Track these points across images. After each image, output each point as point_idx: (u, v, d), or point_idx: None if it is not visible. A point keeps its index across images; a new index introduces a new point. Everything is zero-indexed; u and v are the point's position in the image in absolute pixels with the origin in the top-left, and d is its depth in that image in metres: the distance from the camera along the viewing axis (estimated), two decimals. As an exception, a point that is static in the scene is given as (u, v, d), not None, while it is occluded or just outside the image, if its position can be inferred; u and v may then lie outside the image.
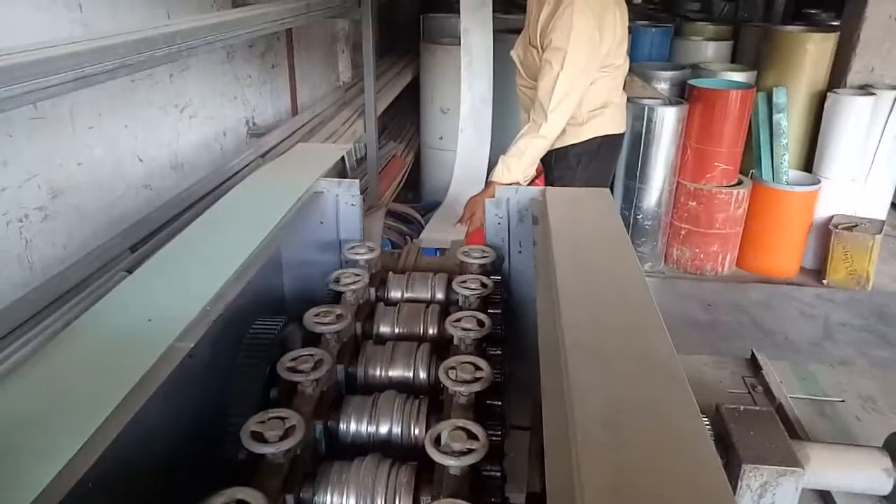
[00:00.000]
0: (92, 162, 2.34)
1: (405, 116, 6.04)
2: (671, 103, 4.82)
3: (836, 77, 5.05)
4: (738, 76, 5.19)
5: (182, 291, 1.32)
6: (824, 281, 4.91)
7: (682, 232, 5.10)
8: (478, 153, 4.99)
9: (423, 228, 4.63)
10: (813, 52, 5.00)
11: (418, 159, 5.79)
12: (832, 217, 4.97)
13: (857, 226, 4.86)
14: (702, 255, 5.09)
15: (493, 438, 1.18)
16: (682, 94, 5.02)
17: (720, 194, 4.87)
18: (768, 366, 2.01)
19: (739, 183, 4.97)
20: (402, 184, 5.34)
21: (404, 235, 4.53)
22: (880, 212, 5.06)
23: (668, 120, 4.69)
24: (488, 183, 2.83)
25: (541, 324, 1.28)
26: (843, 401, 1.93)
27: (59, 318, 1.58)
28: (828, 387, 2.03)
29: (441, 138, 5.44)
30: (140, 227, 2.11)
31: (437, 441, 1.14)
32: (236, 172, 2.80)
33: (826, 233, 4.93)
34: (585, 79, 2.73)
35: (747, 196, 4.92)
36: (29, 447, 0.88)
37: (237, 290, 1.37)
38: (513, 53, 3.05)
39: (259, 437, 1.14)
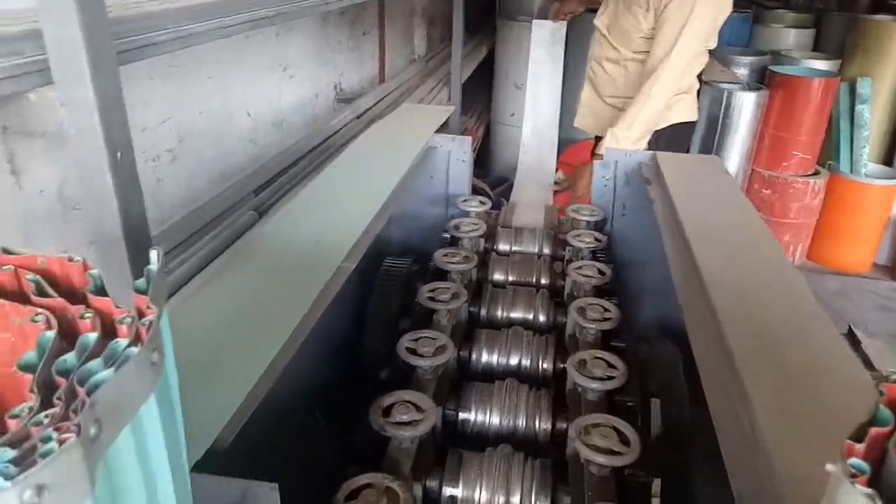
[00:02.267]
0: (210, 112, 2.48)
1: (477, 92, 6.10)
2: (750, 88, 4.76)
3: (925, 69, 4.91)
4: (821, 64, 5.09)
5: (333, 223, 1.43)
6: (898, 277, 4.82)
7: (753, 220, 5.04)
8: (542, 167, 5.02)
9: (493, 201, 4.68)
10: (902, 42, 4.87)
11: (487, 135, 5.85)
12: (911, 213, 4.86)
13: (936, 223, 4.76)
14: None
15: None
16: (762, 80, 4.95)
17: (796, 183, 4.81)
18: (866, 340, 2.03)
19: (816, 173, 4.90)
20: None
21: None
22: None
23: (746, 105, 4.64)
24: (595, 156, 2.77)
25: (674, 270, 1.34)
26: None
27: (202, 246, 1.72)
28: (926, 363, 2.03)
29: (513, 115, 5.48)
30: (260, 174, 2.24)
31: (579, 366, 1.22)
32: (335, 132, 2.92)
33: (903, 228, 4.83)
34: (701, 51, 2.64)
35: (823, 187, 4.84)
36: (237, 347, 0.99)
37: (376, 231, 1.47)
38: (597, 21, 2.93)
39: (413, 352, 1.25)
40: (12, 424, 0.33)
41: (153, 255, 0.46)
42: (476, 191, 4.99)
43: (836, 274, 4.82)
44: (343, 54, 3.94)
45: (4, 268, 0.47)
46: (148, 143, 2.11)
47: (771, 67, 4.94)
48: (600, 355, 1.24)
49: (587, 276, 1.55)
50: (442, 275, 1.62)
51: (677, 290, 1.28)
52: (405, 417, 1.07)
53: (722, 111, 4.66)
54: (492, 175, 5.59)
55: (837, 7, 7.31)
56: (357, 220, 1.43)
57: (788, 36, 5.94)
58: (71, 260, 0.47)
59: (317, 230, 1.36)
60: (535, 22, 2.99)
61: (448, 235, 1.84)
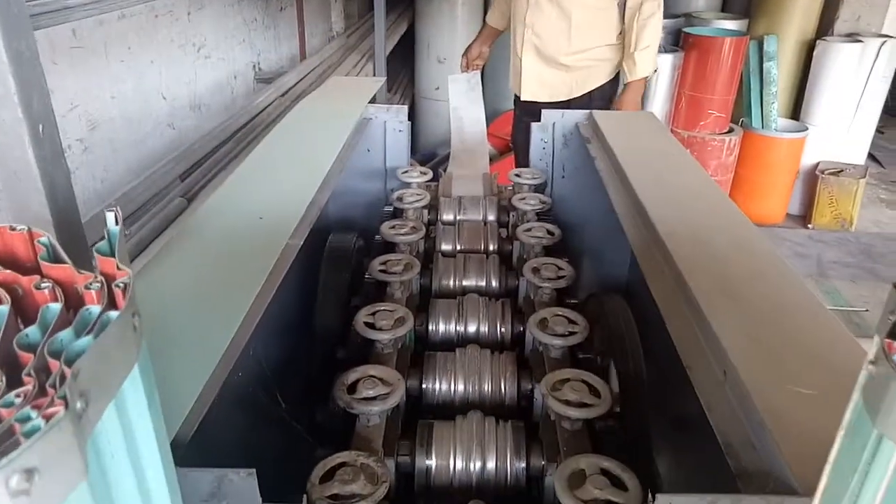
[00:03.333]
0: (122, 96, 2.32)
1: (399, 68, 6.01)
2: (665, 51, 4.88)
3: (825, 26, 5.17)
4: (731, 24, 5.28)
5: (275, 199, 1.37)
6: (810, 225, 5.10)
7: (675, 180, 5.22)
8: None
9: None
10: (803, 0, 5.11)
11: (412, 110, 5.78)
12: (818, 164, 5.14)
13: (842, 171, 5.05)
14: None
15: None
16: (676, 42, 5.09)
17: (713, 141, 4.99)
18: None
19: (731, 131, 5.10)
20: (397, 135, 5.34)
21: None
22: (861, 158, 5.25)
23: (663, 67, 4.76)
24: (628, 84, 2.82)
25: (625, 223, 1.35)
26: (867, 310, 2.06)
27: (129, 237, 1.60)
28: (851, 298, 2.16)
29: (437, 88, 5.43)
30: (184, 158, 2.12)
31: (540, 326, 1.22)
32: (259, 112, 2.80)
33: (812, 179, 5.10)
34: None
35: (738, 143, 5.05)
36: (188, 336, 0.92)
37: (320, 205, 1.41)
38: None
39: (371, 327, 1.21)
40: (-25, 412, 0.28)
41: (110, 216, 0.41)
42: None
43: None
44: (259, 32, 3.79)
45: (-70, 245, 0.40)
46: (57, 131, 1.96)
47: (685, 29, 5.08)
48: (560, 312, 1.24)
49: (537, 237, 1.55)
50: (390, 248, 1.58)
51: (630, 242, 1.29)
52: (372, 393, 1.03)
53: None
54: (419, 151, 5.54)
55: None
56: (299, 195, 1.37)
57: (698, -2, 6.12)
58: (12, 229, 0.41)
59: (258, 208, 1.29)
60: (450, 77, 3.00)
61: (391, 208, 1.80)
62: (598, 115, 1.91)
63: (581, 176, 1.92)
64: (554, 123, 2.01)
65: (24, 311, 0.36)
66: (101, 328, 0.31)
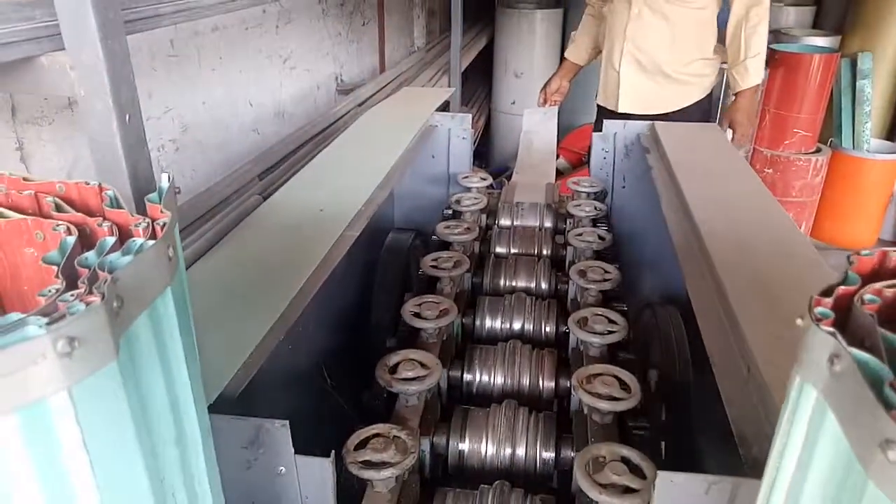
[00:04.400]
0: (212, 102, 2.51)
1: (477, 82, 6.13)
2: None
3: (926, 43, 4.90)
4: (821, 41, 5.08)
5: (336, 195, 1.46)
6: (904, 252, 4.81)
7: (756, 200, 5.05)
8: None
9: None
10: (901, 16, 4.86)
11: (487, 125, 5.87)
12: (915, 187, 4.86)
13: (941, 196, 4.75)
14: (775, 224, 5.04)
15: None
16: (762, 59, 4.95)
17: (798, 161, 4.80)
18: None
19: (818, 150, 4.89)
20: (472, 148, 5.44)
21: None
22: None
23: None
24: (741, 93, 2.75)
25: (674, 234, 1.36)
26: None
27: (208, 229, 1.75)
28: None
29: (513, 103, 5.50)
30: (264, 159, 2.28)
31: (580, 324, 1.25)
32: (336, 120, 2.95)
33: (908, 203, 4.83)
34: None
35: (826, 164, 4.83)
36: (246, 306, 1.01)
37: (378, 202, 1.49)
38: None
39: (417, 316, 1.28)
40: (42, 301, 0.36)
41: (164, 176, 0.49)
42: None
43: (840, 250, 4.82)
44: (343, 46, 3.97)
45: (25, 192, 0.50)
46: (152, 132, 2.15)
47: (771, 46, 4.93)
48: (601, 312, 1.27)
49: (587, 241, 1.58)
50: (445, 247, 1.64)
51: (678, 252, 1.31)
52: (411, 374, 1.10)
53: (722, 90, 4.66)
54: (492, 165, 5.61)
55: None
56: (359, 192, 1.46)
57: (788, 14, 5.92)
58: (87, 184, 0.50)
59: (320, 202, 1.39)
60: (526, 111, 3.04)
61: (450, 210, 1.87)
62: (660, 126, 1.91)
63: (640, 186, 1.93)
64: (615, 133, 2.03)
65: (90, 244, 0.45)
66: (140, 251, 0.39)
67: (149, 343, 0.40)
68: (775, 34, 5.30)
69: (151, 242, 0.41)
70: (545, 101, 3.10)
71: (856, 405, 0.33)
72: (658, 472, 0.70)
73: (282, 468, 0.76)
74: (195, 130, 2.41)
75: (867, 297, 0.40)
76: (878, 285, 0.41)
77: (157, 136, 2.18)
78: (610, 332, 1.22)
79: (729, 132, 2.80)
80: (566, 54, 3.13)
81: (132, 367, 0.38)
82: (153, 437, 0.43)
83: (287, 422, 0.74)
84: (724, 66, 2.86)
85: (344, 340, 1.37)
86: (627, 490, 0.87)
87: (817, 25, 5.72)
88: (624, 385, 1.07)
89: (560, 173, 4.63)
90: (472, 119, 5.62)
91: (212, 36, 2.47)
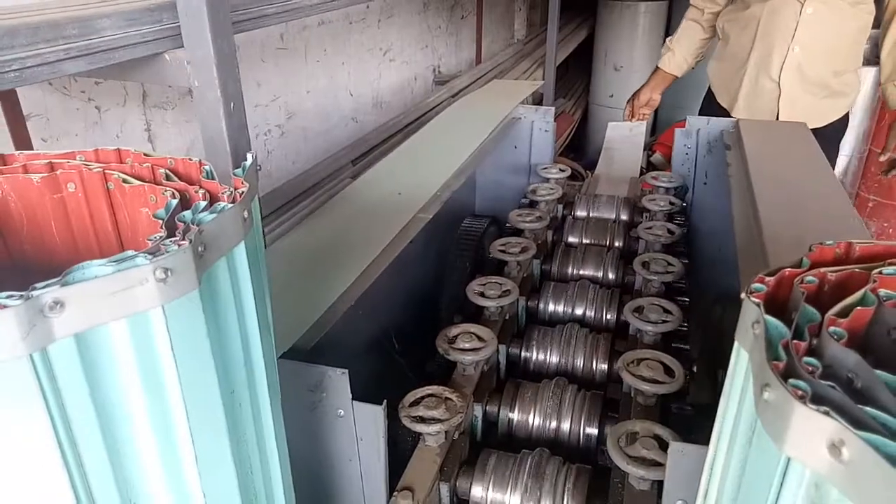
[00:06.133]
0: (316, 91, 2.71)
1: (576, 75, 6.11)
2: (870, 63, 4.46)
3: None
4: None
5: (414, 180, 1.58)
6: None
7: (870, 204, 4.74)
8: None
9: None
10: None
11: (584, 117, 5.84)
12: None
13: None
14: (890, 231, 4.72)
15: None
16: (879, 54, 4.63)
17: (922, 165, 4.47)
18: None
19: (945, 154, 4.53)
20: (567, 140, 5.44)
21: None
22: None
23: (867, 81, 4.36)
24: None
25: (738, 234, 1.37)
26: None
27: (302, 209, 1.93)
28: None
29: (611, 96, 5.45)
30: (358, 146, 2.45)
31: (636, 312, 1.31)
32: (430, 110, 3.08)
33: None
34: None
35: (954, 169, 4.47)
36: (320, 276, 1.15)
37: (453, 189, 1.60)
38: None
39: (481, 295, 1.38)
40: (149, 244, 0.49)
41: (249, 155, 0.62)
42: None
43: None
44: (442, 38, 4.10)
45: (144, 164, 0.64)
46: (260, 118, 2.36)
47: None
48: (657, 302, 1.31)
49: (656, 235, 1.61)
50: (518, 233, 1.73)
51: (738, 252, 1.33)
52: (468, 345, 1.20)
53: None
54: (587, 158, 5.58)
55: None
56: (437, 178, 1.57)
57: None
58: (191, 160, 0.64)
59: (399, 186, 1.52)
60: (611, 124, 2.81)
61: (527, 200, 1.95)
62: (745, 123, 1.90)
63: (720, 184, 1.92)
64: (699, 130, 2.02)
65: (189, 206, 0.58)
66: (220, 211, 0.52)
67: (225, 283, 0.53)
68: (903, 27, 4.93)
69: (231, 205, 0.53)
70: (632, 115, 2.80)
71: (759, 359, 0.39)
72: (671, 442, 0.76)
73: (341, 411, 0.88)
74: (299, 118, 2.61)
75: (808, 278, 0.46)
76: (824, 269, 0.46)
77: (264, 121, 2.39)
78: (664, 322, 1.27)
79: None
80: (661, 64, 2.75)
81: (211, 299, 0.51)
82: (226, 360, 0.55)
83: (346, 371, 0.87)
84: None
85: (416, 313, 1.49)
86: (656, 464, 0.93)
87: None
88: (669, 370, 1.13)
89: (655, 169, 4.56)
90: (569, 112, 5.61)
91: (318, 30, 2.66)
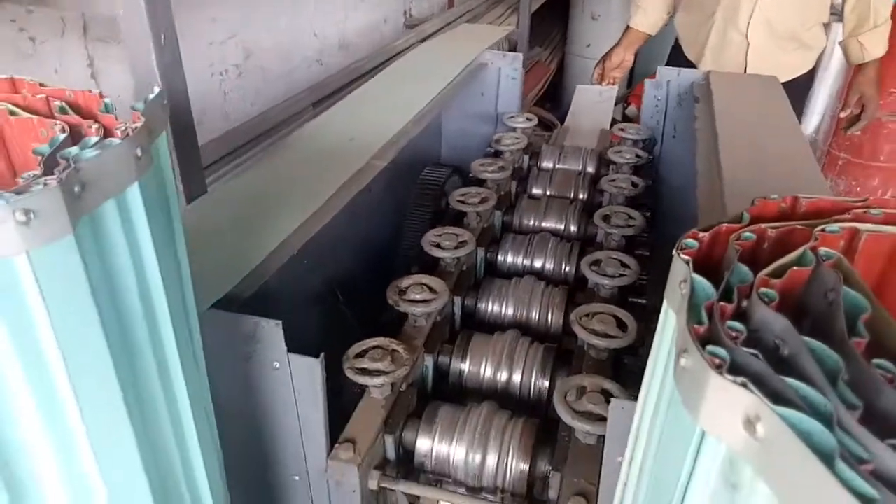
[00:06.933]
0: (276, 30, 2.59)
1: (553, 24, 5.95)
2: (842, 19, 4.41)
3: None
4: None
5: (370, 125, 1.51)
6: None
7: (840, 162, 4.76)
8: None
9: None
10: None
11: (562, 67, 5.73)
12: None
13: None
14: (858, 189, 4.75)
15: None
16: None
17: (890, 124, 4.48)
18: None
19: (915, 112, 4.55)
20: (542, 91, 5.33)
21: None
22: None
23: (838, 36, 4.32)
24: (867, 64, 2.45)
25: (700, 185, 1.34)
26: None
27: (257, 154, 1.85)
28: None
29: (589, 46, 5.33)
30: (320, 88, 2.35)
31: (592, 265, 1.28)
32: (396, 55, 2.97)
33: None
34: None
35: (922, 128, 4.50)
36: (262, 223, 1.09)
37: (411, 136, 1.53)
38: None
39: (437, 246, 1.33)
40: (20, 182, 0.44)
41: (156, 87, 0.56)
42: (544, 123, 4.92)
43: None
44: (414, -21, 3.94)
45: (39, 96, 0.58)
46: (216, 56, 2.24)
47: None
48: (615, 256, 1.29)
49: (620, 187, 1.58)
50: (480, 184, 1.68)
51: (700, 207, 1.30)
52: (419, 297, 1.16)
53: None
54: (563, 108, 5.49)
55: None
56: (393, 124, 1.50)
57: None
58: (90, 92, 0.58)
59: (352, 131, 1.45)
60: (579, 87, 2.63)
61: (492, 149, 1.89)
62: (715, 76, 1.85)
63: (689, 137, 1.88)
64: (669, 82, 1.97)
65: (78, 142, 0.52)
66: (107, 147, 0.46)
67: (115, 228, 0.47)
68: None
69: (119, 141, 0.47)
70: (601, 78, 2.65)
71: (681, 322, 0.36)
72: (612, 399, 0.74)
73: (276, 363, 0.85)
74: (258, 57, 2.49)
75: (745, 234, 0.42)
76: (764, 225, 0.43)
77: (220, 60, 2.28)
78: (621, 276, 1.24)
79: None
80: (632, 23, 2.59)
81: (95, 245, 0.45)
82: (120, 314, 0.50)
83: (280, 322, 0.82)
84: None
85: (371, 263, 1.45)
86: (602, 419, 0.91)
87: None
88: (622, 324, 1.10)
89: (630, 122, 4.51)
90: (546, 61, 5.49)
91: (278, -36, 2.52)
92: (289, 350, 0.84)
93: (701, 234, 0.43)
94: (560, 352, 1.19)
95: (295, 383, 0.86)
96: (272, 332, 0.83)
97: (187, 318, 0.66)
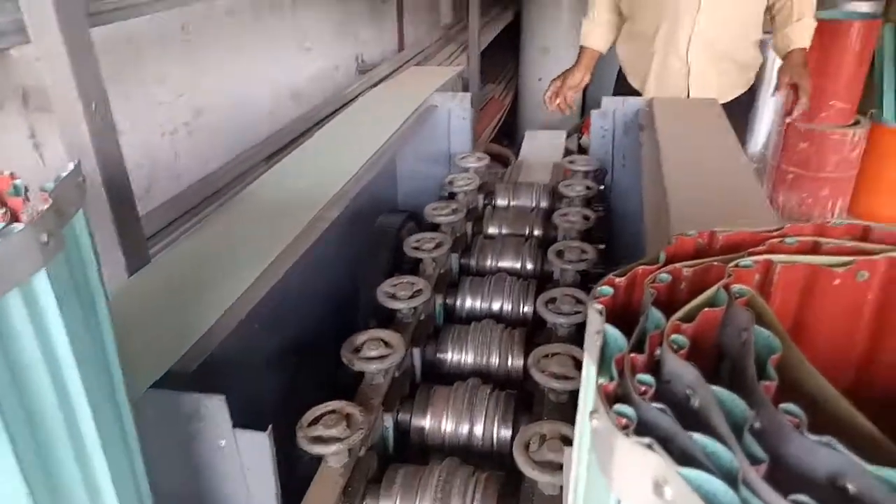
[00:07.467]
0: (227, 87, 2.58)
1: (506, 57, 6.07)
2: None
3: (978, 7, 4.63)
4: (863, 6, 4.85)
5: (321, 175, 1.50)
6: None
7: (790, 176, 4.90)
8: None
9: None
10: (952, -21, 4.61)
11: (516, 100, 5.82)
12: (962, 161, 4.64)
13: None
14: (810, 201, 4.89)
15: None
16: (798, 28, 4.76)
17: (834, 135, 4.63)
18: None
19: (856, 123, 4.71)
20: (498, 126, 5.40)
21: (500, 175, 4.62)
22: None
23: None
24: (795, 51, 2.45)
25: (646, 212, 1.36)
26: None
27: (207, 215, 1.82)
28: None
29: (540, 79, 5.43)
30: (273, 141, 2.34)
31: (547, 304, 1.27)
32: (348, 102, 2.98)
33: (955, 178, 4.61)
34: None
35: (864, 137, 4.65)
36: (207, 289, 1.06)
37: (363, 183, 1.52)
38: None
39: (392, 297, 1.32)
40: None
41: (70, 164, 0.54)
42: (500, 159, 4.97)
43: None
44: (365, 26, 3.99)
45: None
46: (164, 116, 2.22)
47: (808, 14, 4.74)
48: (570, 293, 1.28)
49: (571, 221, 1.59)
50: (434, 228, 1.67)
51: (646, 232, 1.31)
52: (374, 353, 1.14)
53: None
54: (519, 141, 5.57)
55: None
56: (344, 173, 1.49)
57: (830, -20, 5.67)
58: (2, 173, 0.56)
59: (305, 182, 1.44)
60: (528, 133, 2.69)
61: (446, 192, 1.89)
62: (658, 101, 1.89)
63: (636, 165, 1.91)
64: (615, 111, 2.01)
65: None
66: (7, 234, 0.45)
67: (20, 318, 0.45)
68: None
69: (20, 227, 0.45)
70: (555, 96, 2.60)
71: (593, 380, 0.35)
72: (565, 449, 0.72)
73: (222, 441, 0.81)
74: (209, 114, 2.48)
75: (661, 275, 0.42)
76: (680, 265, 0.42)
77: (168, 120, 2.26)
78: (576, 313, 1.24)
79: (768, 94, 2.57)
80: (586, 42, 2.62)
81: (4, 355, 0.43)
82: (27, 407, 0.48)
83: (224, 396, 0.79)
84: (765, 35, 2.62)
85: (328, 321, 1.42)
86: (562, 467, 0.89)
87: (860, -9, 5.46)
88: (578, 364, 1.09)
89: (584, 151, 4.58)
90: (500, 96, 5.57)
91: (226, 19, 2.52)
92: (237, 424, 0.81)
93: (617, 280, 0.42)
94: (522, 395, 1.17)
95: (243, 461, 0.83)
96: (216, 408, 0.80)
97: (116, 403, 0.63)
